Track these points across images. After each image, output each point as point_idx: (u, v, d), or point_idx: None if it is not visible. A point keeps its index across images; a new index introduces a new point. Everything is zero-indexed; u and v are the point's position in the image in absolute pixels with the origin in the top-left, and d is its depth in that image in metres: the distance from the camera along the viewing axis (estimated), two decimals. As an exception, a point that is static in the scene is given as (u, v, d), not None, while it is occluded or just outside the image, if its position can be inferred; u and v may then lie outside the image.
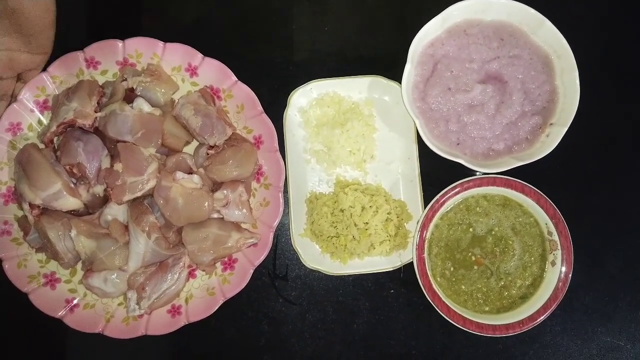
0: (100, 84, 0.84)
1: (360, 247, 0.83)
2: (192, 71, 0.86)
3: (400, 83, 0.81)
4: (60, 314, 0.81)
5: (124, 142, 0.80)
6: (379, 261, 0.86)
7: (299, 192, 0.87)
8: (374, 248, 0.84)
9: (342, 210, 0.84)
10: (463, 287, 0.82)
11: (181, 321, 0.82)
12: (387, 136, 0.89)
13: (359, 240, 0.83)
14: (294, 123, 0.88)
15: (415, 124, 0.81)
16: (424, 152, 0.84)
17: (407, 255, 0.85)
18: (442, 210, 0.82)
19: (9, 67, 0.80)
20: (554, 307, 0.79)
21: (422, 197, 0.86)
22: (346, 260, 0.85)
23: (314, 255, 0.86)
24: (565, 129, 0.79)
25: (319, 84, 0.88)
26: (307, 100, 0.89)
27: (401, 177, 0.88)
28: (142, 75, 0.83)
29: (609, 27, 0.93)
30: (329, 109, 0.88)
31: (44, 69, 0.84)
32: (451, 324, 0.78)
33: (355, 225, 0.83)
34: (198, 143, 0.86)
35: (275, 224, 0.83)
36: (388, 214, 0.84)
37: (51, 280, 0.83)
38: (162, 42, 0.84)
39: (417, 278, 0.79)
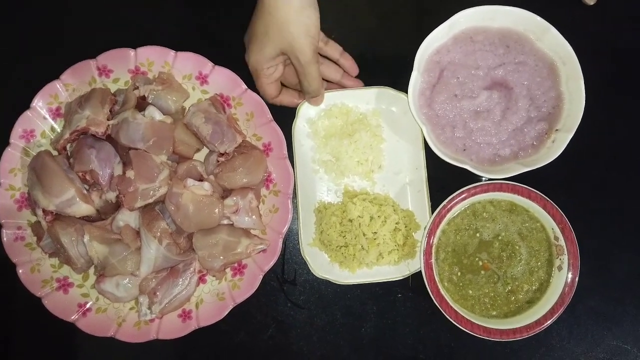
0: (113, 92, 0.85)
1: (369, 257, 0.84)
2: (203, 79, 0.87)
3: (407, 94, 0.82)
4: (73, 318, 0.82)
5: (136, 149, 0.81)
6: (387, 270, 0.86)
7: (308, 201, 0.88)
8: (383, 258, 0.84)
9: (350, 220, 0.84)
10: (470, 291, 0.83)
11: (192, 325, 0.83)
12: (394, 146, 0.90)
13: (367, 250, 0.84)
14: (302, 133, 0.89)
15: (422, 131, 0.82)
16: (431, 158, 0.85)
17: (415, 264, 0.85)
18: (449, 216, 0.82)
19: None
20: (560, 311, 0.80)
21: (430, 206, 0.86)
22: (355, 270, 0.86)
23: (323, 265, 0.86)
24: (571, 135, 0.79)
25: (327, 95, 0.88)
26: (315, 111, 0.89)
27: (409, 187, 0.89)
28: (154, 83, 0.84)
29: (614, 33, 0.94)
30: (337, 119, 0.89)
31: (57, 77, 0.84)
32: (458, 328, 0.79)
33: (364, 235, 0.83)
34: (208, 150, 0.87)
35: (285, 230, 0.84)
36: (396, 223, 0.84)
37: (64, 285, 0.84)
38: (173, 50, 0.85)
39: (424, 283, 0.80)
